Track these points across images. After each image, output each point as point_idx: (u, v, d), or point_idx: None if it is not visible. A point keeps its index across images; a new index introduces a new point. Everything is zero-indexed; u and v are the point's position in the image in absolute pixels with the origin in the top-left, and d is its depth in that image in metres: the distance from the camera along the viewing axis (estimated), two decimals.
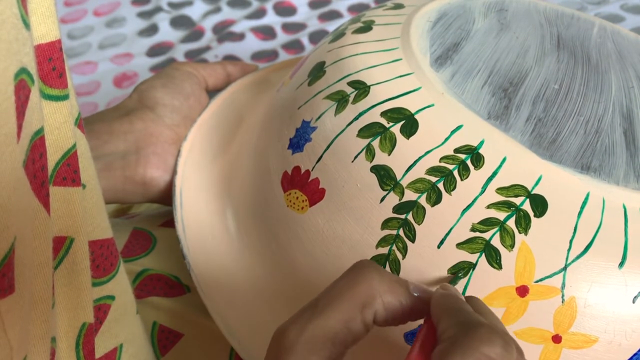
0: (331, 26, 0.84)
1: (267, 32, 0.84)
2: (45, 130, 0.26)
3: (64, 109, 0.27)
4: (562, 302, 0.32)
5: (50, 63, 0.27)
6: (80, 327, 0.31)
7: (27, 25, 0.23)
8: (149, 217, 0.48)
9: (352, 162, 0.36)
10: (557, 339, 0.32)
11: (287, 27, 0.85)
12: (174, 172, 0.44)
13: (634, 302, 0.32)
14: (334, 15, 0.87)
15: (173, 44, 0.84)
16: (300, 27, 0.85)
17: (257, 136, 0.44)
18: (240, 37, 0.83)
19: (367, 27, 0.43)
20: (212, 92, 0.52)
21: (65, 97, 0.27)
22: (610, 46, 0.46)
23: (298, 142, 0.39)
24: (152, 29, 0.87)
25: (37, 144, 0.25)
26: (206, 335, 0.40)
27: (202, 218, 0.43)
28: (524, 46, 0.43)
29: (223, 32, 0.84)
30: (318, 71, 0.41)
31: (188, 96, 0.48)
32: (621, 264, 0.32)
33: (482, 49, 0.41)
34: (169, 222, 0.47)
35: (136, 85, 0.48)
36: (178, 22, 0.87)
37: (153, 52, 0.83)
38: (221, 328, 0.37)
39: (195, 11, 0.89)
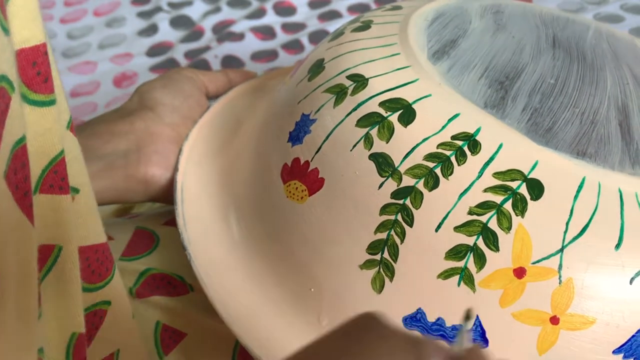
0: (331, 26, 0.84)
1: (267, 32, 0.84)
2: (29, 137, 0.26)
3: (50, 115, 0.27)
4: (560, 283, 0.32)
5: (35, 68, 0.26)
6: (70, 337, 0.30)
7: (5, 30, 0.23)
8: (151, 216, 0.48)
9: (351, 150, 0.36)
10: (554, 320, 0.32)
11: (287, 27, 0.85)
12: (176, 169, 0.45)
13: (631, 283, 0.32)
14: (334, 15, 0.87)
15: (173, 44, 0.84)
16: (300, 27, 0.85)
17: (257, 134, 0.44)
18: (240, 37, 0.83)
19: (365, 26, 0.44)
20: (214, 98, 0.53)
21: (51, 103, 0.27)
22: (605, 46, 0.47)
23: (298, 135, 0.39)
24: (152, 29, 0.86)
25: (19, 154, 0.24)
26: (209, 335, 0.40)
27: (203, 213, 0.43)
28: (520, 44, 0.43)
29: (223, 32, 0.84)
30: (318, 67, 0.42)
31: (187, 97, 0.48)
32: (618, 246, 0.32)
33: (478, 46, 0.42)
34: (171, 221, 0.47)
35: (137, 85, 0.49)
36: (178, 22, 0.87)
37: (153, 52, 0.83)
38: (223, 317, 0.37)
39: (195, 11, 0.88)
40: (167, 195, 0.45)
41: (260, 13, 0.87)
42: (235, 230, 0.42)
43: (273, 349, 0.36)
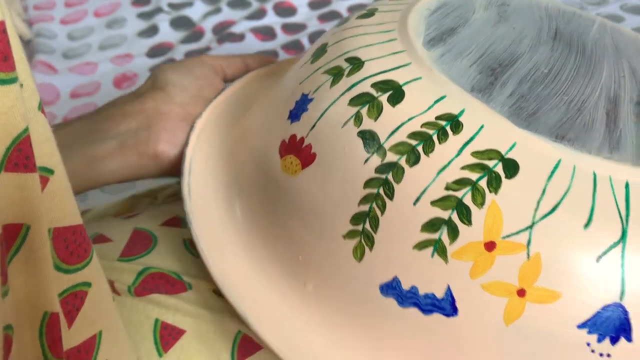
0: (331, 26, 0.83)
1: (267, 33, 0.85)
2: None
3: (12, 93, 0.26)
4: (528, 257, 0.33)
5: None
6: (42, 316, 0.30)
7: None
8: (149, 217, 0.50)
9: (342, 127, 0.38)
10: (521, 292, 0.34)
11: (287, 28, 0.86)
12: (186, 144, 0.47)
13: (597, 261, 0.33)
14: (334, 15, 0.87)
15: (173, 44, 0.84)
16: (300, 27, 0.85)
17: (264, 114, 0.47)
18: (240, 37, 0.83)
19: (370, 13, 0.46)
20: (231, 81, 0.55)
21: (12, 81, 0.26)
22: (607, 41, 0.48)
23: (297, 113, 0.42)
24: (152, 30, 0.87)
25: None
26: (208, 331, 0.42)
27: (208, 185, 0.45)
28: (519, 35, 0.45)
29: (223, 33, 0.84)
30: (321, 51, 0.44)
31: (198, 78, 0.51)
32: (586, 225, 0.33)
33: (477, 35, 0.44)
34: (169, 221, 0.48)
35: (137, 86, 0.51)
36: (178, 22, 0.88)
37: (153, 52, 0.83)
38: (219, 285, 0.40)
39: (195, 12, 0.89)
40: (176, 169, 0.48)
41: (260, 14, 0.88)
42: (237, 203, 0.44)
43: (258, 312, 0.39)
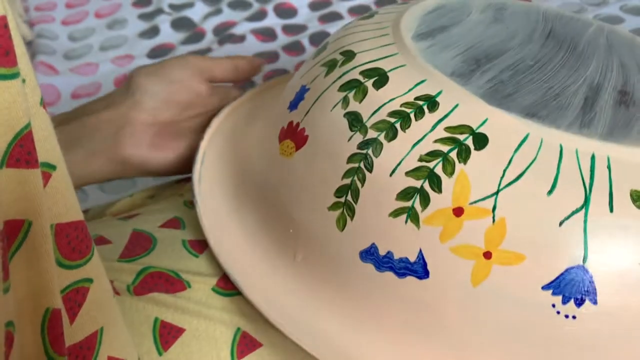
0: (332, 27, 0.84)
1: (267, 34, 0.85)
2: None
3: (13, 88, 0.26)
4: (493, 222, 0.35)
5: None
6: (44, 312, 0.30)
7: None
8: (148, 218, 0.50)
9: (331, 111, 0.41)
10: (487, 255, 0.35)
11: (287, 29, 0.86)
12: (201, 138, 0.51)
13: (560, 225, 0.35)
14: (335, 16, 0.87)
15: (174, 45, 0.85)
16: (300, 28, 0.86)
17: (271, 109, 0.50)
18: (240, 38, 0.84)
19: (370, 15, 0.49)
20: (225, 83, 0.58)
21: (13, 76, 0.26)
22: (601, 41, 0.50)
23: (295, 103, 0.45)
24: (153, 31, 0.88)
25: None
26: (207, 330, 0.42)
27: (216, 176, 0.49)
28: (511, 34, 0.47)
29: (224, 34, 0.85)
30: (322, 48, 0.48)
31: (171, 82, 0.53)
32: (550, 192, 0.35)
33: (468, 32, 0.46)
34: (168, 222, 0.50)
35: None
36: (179, 23, 0.88)
37: (154, 53, 0.84)
38: (216, 255, 0.43)
39: (196, 13, 0.90)
40: (154, 170, 0.52)
41: (261, 15, 0.88)
42: (241, 189, 0.47)
43: (250, 279, 0.42)
